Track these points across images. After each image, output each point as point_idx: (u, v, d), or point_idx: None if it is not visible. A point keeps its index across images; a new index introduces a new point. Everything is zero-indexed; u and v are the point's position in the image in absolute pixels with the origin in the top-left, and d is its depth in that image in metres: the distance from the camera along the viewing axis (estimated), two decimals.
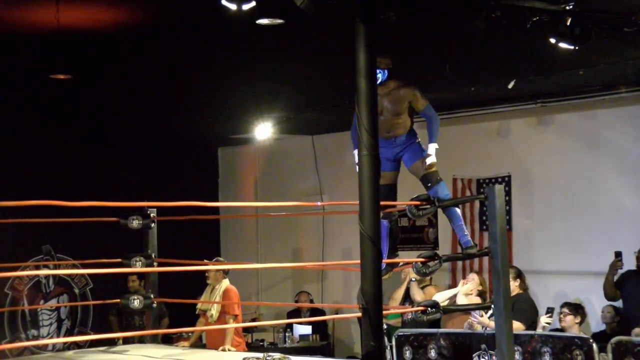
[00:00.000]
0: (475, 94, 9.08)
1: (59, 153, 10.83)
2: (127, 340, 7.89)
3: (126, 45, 7.03)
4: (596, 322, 8.69)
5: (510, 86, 8.14)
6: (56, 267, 10.67)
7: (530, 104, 9.43)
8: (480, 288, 8.15)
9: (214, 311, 7.70)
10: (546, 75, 8.08)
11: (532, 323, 7.80)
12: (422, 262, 5.45)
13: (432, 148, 5.80)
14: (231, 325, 7.60)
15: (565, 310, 7.82)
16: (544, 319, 7.67)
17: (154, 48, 7.17)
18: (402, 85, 5.92)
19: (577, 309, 7.86)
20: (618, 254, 8.18)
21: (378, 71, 5.56)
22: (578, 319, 7.76)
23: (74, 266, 10.24)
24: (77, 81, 7.87)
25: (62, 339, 9.63)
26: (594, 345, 7.02)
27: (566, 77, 8.14)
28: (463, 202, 9.30)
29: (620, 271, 8.29)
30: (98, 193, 6.83)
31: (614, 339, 7.01)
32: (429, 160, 5.80)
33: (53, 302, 10.84)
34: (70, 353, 7.29)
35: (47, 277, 10.60)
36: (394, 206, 6.03)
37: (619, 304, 8.31)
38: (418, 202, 5.52)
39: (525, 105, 9.50)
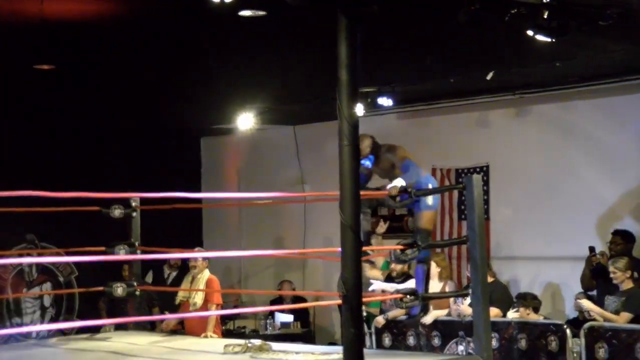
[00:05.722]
0: (455, 85, 9.17)
1: (41, 143, 10.82)
2: (118, 327, 7.94)
3: (110, 36, 7.06)
4: (570, 309, 8.84)
5: (488, 77, 8.23)
6: (40, 255, 10.70)
7: (509, 95, 9.54)
8: (438, 269, 8.17)
9: (198, 300, 7.76)
10: (524, 67, 8.19)
11: (507, 309, 7.95)
12: (400, 250, 5.57)
13: (398, 181, 5.81)
14: (214, 312, 7.68)
15: (520, 304, 7.93)
16: (510, 314, 7.83)
17: (137, 39, 7.20)
18: (384, 152, 6.14)
19: (526, 298, 7.97)
20: (592, 249, 8.27)
21: (366, 159, 5.95)
22: (529, 311, 7.85)
23: (58, 254, 10.27)
24: (61, 71, 7.90)
25: (45, 326, 9.67)
26: (568, 331, 7.19)
27: (544, 68, 8.25)
28: (442, 192, 9.40)
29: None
30: (81, 183, 6.89)
31: (587, 325, 7.17)
32: (394, 183, 5.83)
33: (36, 290, 10.87)
34: (54, 340, 7.34)
35: (30, 265, 10.62)
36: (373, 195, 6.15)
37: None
38: (395, 193, 5.65)
39: (504, 97, 9.61)
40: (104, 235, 7.20)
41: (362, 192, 4.47)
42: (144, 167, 11.51)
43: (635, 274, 7.50)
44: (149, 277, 10.47)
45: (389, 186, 5.82)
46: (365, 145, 6.08)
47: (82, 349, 6.55)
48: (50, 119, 10.55)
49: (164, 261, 10.41)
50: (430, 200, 5.97)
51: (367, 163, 6.10)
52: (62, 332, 8.74)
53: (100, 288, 7.09)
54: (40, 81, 8.42)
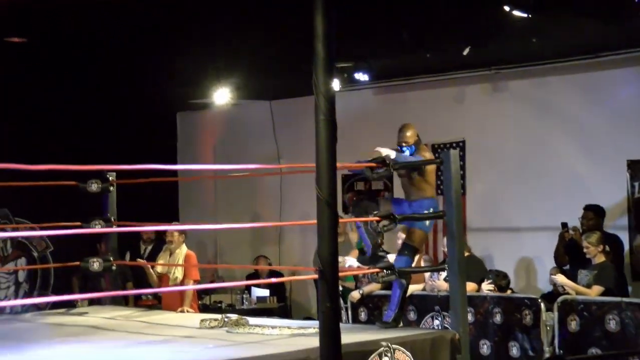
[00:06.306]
0: (431, 61, 9.16)
1: (14, 117, 10.71)
2: (92, 303, 7.93)
3: (83, 9, 6.99)
4: (544, 283, 8.94)
5: (465, 53, 8.24)
6: (14, 230, 10.62)
7: (485, 70, 9.58)
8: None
9: (178, 274, 7.75)
10: (500, 42, 8.21)
11: (481, 281, 8.02)
12: (377, 221, 5.60)
13: (387, 150, 5.72)
14: (190, 287, 7.68)
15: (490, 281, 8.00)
16: (485, 287, 7.90)
17: (111, 12, 7.13)
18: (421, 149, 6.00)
19: (495, 277, 8.03)
20: (564, 225, 8.33)
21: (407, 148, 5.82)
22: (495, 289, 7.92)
23: (32, 229, 10.20)
24: (33, 44, 7.81)
25: (21, 301, 9.63)
26: (542, 305, 7.29)
27: (520, 44, 8.28)
28: (420, 165, 9.42)
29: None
30: (56, 157, 6.82)
31: (560, 298, 7.27)
32: (379, 150, 5.73)
33: (10, 266, 10.79)
34: (28, 315, 7.32)
35: (4, 240, 10.54)
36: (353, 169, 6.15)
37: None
38: (374, 165, 5.65)
39: (480, 72, 9.64)
40: (79, 210, 7.17)
41: (339, 165, 4.44)
42: (120, 142, 11.41)
43: (607, 248, 7.60)
44: (127, 257, 10.44)
45: (375, 150, 5.75)
46: (410, 135, 5.93)
47: (61, 324, 6.55)
48: (22, 93, 10.42)
49: (139, 239, 10.35)
50: (427, 221, 5.87)
51: (406, 152, 5.88)
52: (37, 307, 8.70)
53: (76, 263, 7.07)
54: (11, 54, 8.31)
